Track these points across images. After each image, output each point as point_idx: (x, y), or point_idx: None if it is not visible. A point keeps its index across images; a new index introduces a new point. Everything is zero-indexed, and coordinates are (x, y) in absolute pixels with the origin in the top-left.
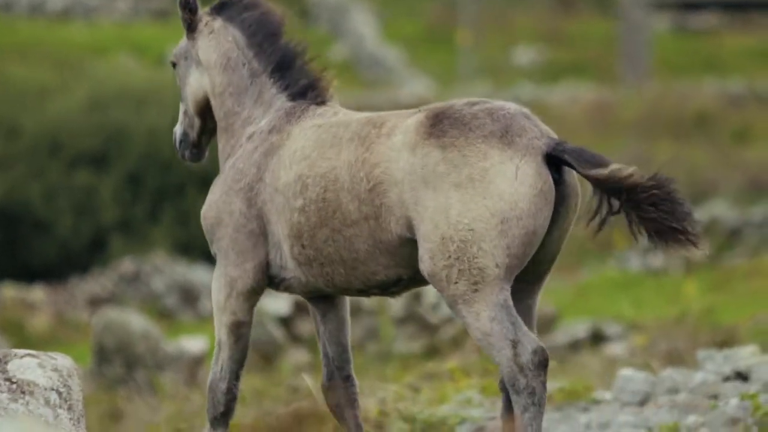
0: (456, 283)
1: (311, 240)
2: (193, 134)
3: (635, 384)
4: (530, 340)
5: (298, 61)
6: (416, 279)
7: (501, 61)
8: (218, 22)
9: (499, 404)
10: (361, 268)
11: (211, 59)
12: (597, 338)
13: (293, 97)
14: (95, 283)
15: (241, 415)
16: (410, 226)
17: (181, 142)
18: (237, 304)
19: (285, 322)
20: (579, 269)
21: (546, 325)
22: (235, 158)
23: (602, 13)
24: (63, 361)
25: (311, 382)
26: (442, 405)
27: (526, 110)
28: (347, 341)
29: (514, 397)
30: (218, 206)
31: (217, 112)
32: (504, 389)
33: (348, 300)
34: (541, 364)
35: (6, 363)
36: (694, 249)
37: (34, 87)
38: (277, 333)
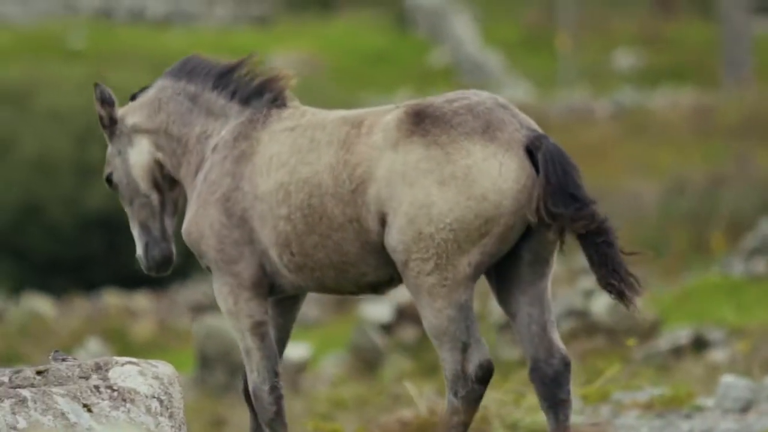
0: (428, 275)
1: (300, 247)
2: (155, 224)
3: (737, 391)
4: (480, 349)
5: (240, 68)
6: None
7: (601, 66)
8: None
9: (601, 411)
10: (352, 271)
11: (141, 116)
12: (699, 344)
13: (245, 101)
14: (196, 290)
15: (344, 420)
16: (384, 222)
17: (146, 248)
18: (250, 307)
19: (387, 328)
20: (681, 275)
21: (648, 332)
22: (205, 171)
23: (703, 16)
24: (164, 368)
25: (414, 390)
26: None
27: (502, 100)
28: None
29: (449, 396)
30: (198, 221)
31: (168, 149)
32: (533, 380)
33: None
34: (484, 378)
35: (107, 371)
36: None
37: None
38: (379, 340)
